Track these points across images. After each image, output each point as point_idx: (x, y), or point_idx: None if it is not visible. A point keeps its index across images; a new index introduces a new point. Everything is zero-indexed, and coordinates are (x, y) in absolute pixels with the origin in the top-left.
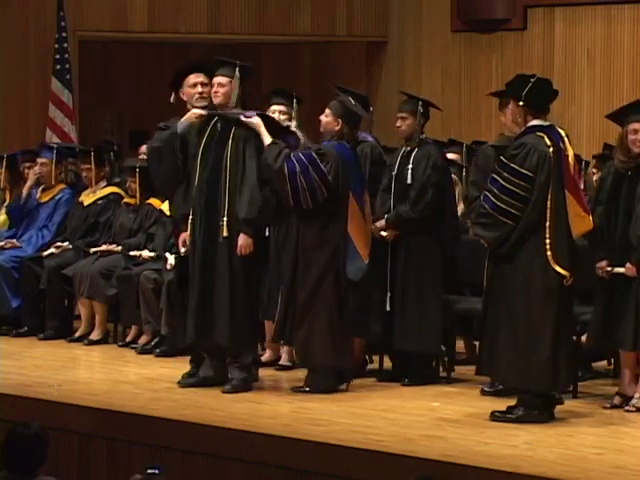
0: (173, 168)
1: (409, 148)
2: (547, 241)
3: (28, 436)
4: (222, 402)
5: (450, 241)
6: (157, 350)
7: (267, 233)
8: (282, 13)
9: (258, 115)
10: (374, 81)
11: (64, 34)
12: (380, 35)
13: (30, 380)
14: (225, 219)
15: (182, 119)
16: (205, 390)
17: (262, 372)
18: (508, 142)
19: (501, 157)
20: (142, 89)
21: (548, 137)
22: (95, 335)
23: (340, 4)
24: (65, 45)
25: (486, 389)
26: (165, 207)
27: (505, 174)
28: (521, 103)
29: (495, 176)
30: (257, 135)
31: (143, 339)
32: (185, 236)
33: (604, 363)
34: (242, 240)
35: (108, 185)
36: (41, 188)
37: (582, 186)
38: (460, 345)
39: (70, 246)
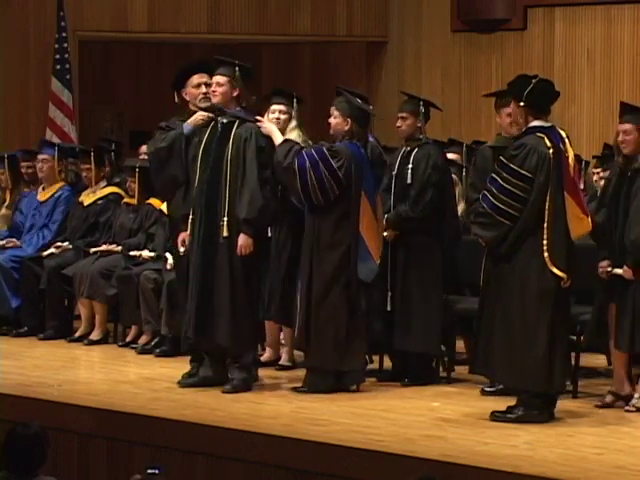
0: (177, 169)
1: (409, 148)
2: (544, 242)
3: (28, 436)
4: (222, 402)
5: (450, 241)
6: (157, 350)
7: (269, 234)
8: (282, 13)
9: None
10: (374, 81)
11: (64, 34)
12: (380, 35)
13: (30, 380)
14: (225, 219)
15: (189, 120)
16: (205, 390)
17: (262, 372)
18: (505, 142)
19: (501, 157)
20: (142, 89)
21: (548, 138)
22: (95, 335)
23: (340, 4)
24: (65, 45)
25: (486, 389)
26: (165, 207)
27: (504, 174)
28: (522, 103)
29: (494, 176)
30: (257, 135)
31: (143, 339)
32: (184, 236)
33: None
34: (242, 240)
35: (108, 185)
36: (41, 187)
37: (582, 186)
38: (460, 345)
39: (70, 246)
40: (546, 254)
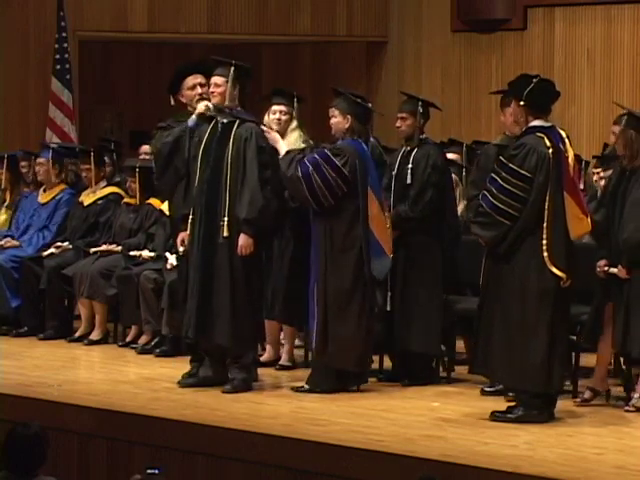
0: (179, 162)
1: (409, 148)
2: (544, 242)
3: (28, 436)
4: (222, 402)
5: (450, 241)
6: (157, 350)
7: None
8: (282, 13)
9: None
10: (374, 81)
11: (64, 34)
12: (380, 35)
13: (30, 380)
14: (226, 219)
15: (194, 115)
16: (205, 390)
17: (262, 372)
18: (510, 142)
19: (500, 157)
20: (142, 89)
21: (548, 138)
22: (95, 335)
23: (340, 4)
24: (65, 45)
25: (486, 389)
26: (165, 207)
27: (504, 174)
28: (522, 103)
29: (494, 176)
30: (257, 135)
31: (143, 339)
32: (184, 235)
33: None
34: (242, 240)
35: (108, 185)
36: (42, 189)
37: (582, 186)
38: (460, 345)
39: (70, 246)
40: (545, 254)
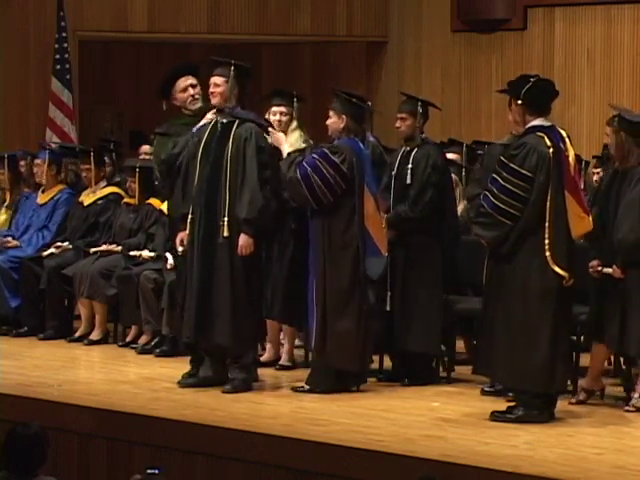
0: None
1: (409, 148)
2: (546, 241)
3: (28, 436)
4: (222, 402)
5: (450, 241)
6: (157, 350)
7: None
8: (282, 13)
9: None
10: (374, 81)
11: (64, 34)
12: (380, 35)
13: (30, 380)
14: (226, 219)
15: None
16: (205, 390)
17: (262, 372)
18: (515, 141)
19: (501, 157)
20: (142, 89)
21: (548, 137)
22: (95, 335)
23: (340, 4)
24: (65, 45)
25: (486, 389)
26: (165, 207)
27: (504, 174)
28: (519, 102)
29: (495, 176)
30: (257, 135)
31: (143, 339)
32: (183, 235)
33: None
34: (243, 240)
35: (108, 185)
36: (41, 190)
37: (582, 186)
38: (460, 345)
39: (70, 246)
40: (547, 253)
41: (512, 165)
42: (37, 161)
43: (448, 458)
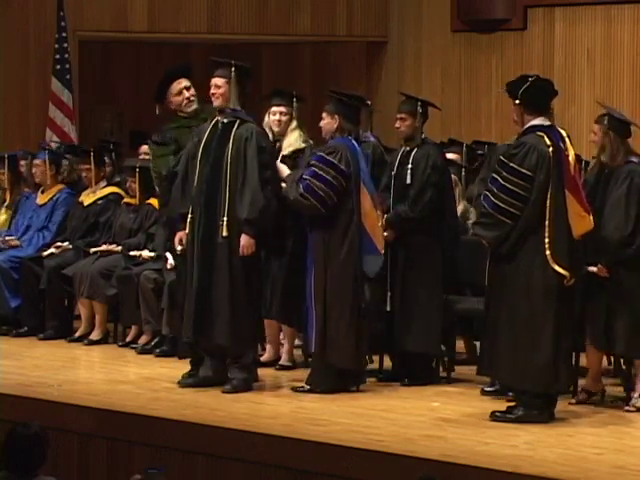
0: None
1: (408, 148)
2: (546, 240)
3: (28, 436)
4: (222, 402)
5: (450, 241)
6: (157, 350)
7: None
8: (282, 13)
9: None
10: (374, 81)
11: (64, 34)
12: (380, 35)
13: (30, 380)
14: (225, 219)
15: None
16: (205, 390)
17: (262, 372)
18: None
19: (501, 157)
20: (142, 89)
21: (548, 137)
22: (95, 335)
23: (340, 4)
24: (65, 45)
25: (486, 389)
26: None
27: (504, 173)
28: (517, 102)
29: (495, 175)
30: (258, 135)
31: (143, 339)
32: (182, 235)
33: (604, 363)
34: (244, 241)
35: (108, 185)
36: (40, 190)
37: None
38: (460, 345)
39: (70, 246)
40: (548, 252)
41: (512, 164)
42: (36, 161)
43: (448, 458)
